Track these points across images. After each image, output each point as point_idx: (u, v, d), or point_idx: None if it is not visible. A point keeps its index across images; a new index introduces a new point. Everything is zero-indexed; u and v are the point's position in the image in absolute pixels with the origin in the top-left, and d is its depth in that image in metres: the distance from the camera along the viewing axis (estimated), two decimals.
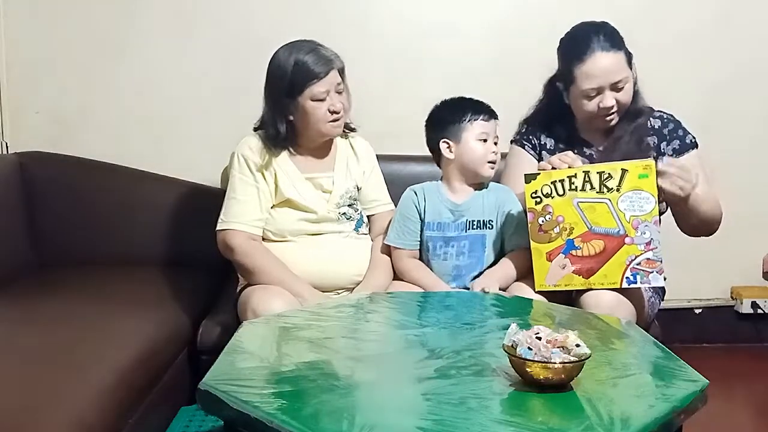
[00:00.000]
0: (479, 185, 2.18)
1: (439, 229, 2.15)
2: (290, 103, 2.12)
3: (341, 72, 2.15)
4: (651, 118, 2.18)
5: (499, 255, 2.17)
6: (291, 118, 2.15)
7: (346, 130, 2.29)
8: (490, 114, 2.15)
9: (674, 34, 2.84)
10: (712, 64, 2.93)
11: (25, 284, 2.44)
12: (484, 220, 2.15)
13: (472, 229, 2.14)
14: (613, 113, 2.11)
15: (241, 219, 2.16)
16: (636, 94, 2.14)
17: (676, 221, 2.10)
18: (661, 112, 2.20)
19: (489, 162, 2.13)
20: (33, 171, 2.72)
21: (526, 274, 2.08)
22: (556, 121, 2.23)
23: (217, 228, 2.19)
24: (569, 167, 1.97)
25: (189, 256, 2.73)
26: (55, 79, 2.85)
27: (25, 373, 1.66)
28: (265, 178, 2.17)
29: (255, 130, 2.24)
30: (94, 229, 2.73)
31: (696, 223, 2.08)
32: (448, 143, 2.15)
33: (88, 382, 1.66)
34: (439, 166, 2.22)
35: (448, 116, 2.17)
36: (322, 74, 2.09)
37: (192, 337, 2.27)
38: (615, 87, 2.07)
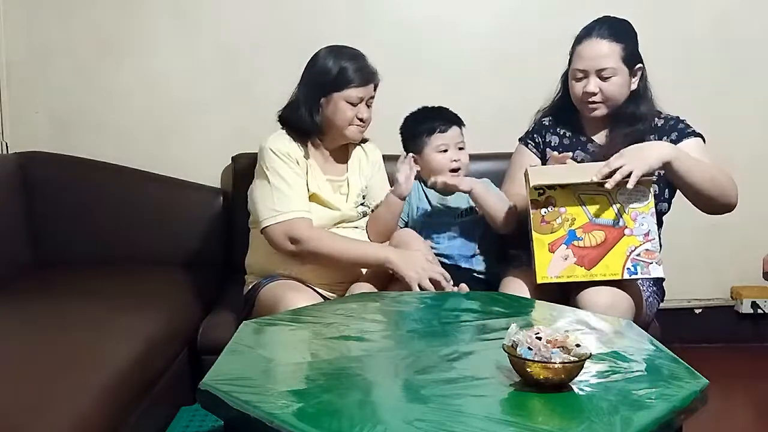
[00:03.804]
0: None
1: (429, 216, 2.31)
2: (325, 97, 2.18)
3: (375, 88, 2.24)
4: (656, 119, 2.20)
5: (488, 239, 2.32)
6: (321, 111, 2.19)
7: (359, 142, 2.37)
8: (448, 123, 2.28)
9: (673, 39, 2.84)
10: (711, 69, 2.93)
11: (25, 284, 2.44)
12: (469, 208, 2.31)
13: (462, 217, 2.31)
14: (596, 102, 2.15)
15: (298, 207, 2.15)
16: (640, 99, 2.17)
17: (689, 199, 2.07)
18: (668, 114, 2.23)
19: (451, 170, 2.26)
20: (33, 171, 2.72)
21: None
22: (564, 116, 2.28)
23: (275, 221, 2.13)
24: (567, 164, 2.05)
25: (189, 256, 2.74)
26: (55, 79, 2.85)
27: (25, 372, 1.66)
28: (301, 169, 2.19)
29: (280, 121, 2.26)
30: (94, 229, 2.73)
31: (704, 193, 2.01)
32: (414, 157, 2.29)
33: (88, 382, 1.66)
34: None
35: (410, 131, 2.33)
36: (363, 83, 2.17)
37: (192, 336, 2.27)
38: (600, 75, 2.12)
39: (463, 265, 2.27)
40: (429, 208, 2.33)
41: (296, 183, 2.16)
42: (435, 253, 2.24)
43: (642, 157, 1.94)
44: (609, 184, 1.93)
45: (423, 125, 2.30)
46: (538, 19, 2.87)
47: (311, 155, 2.25)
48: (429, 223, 2.31)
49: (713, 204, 2.05)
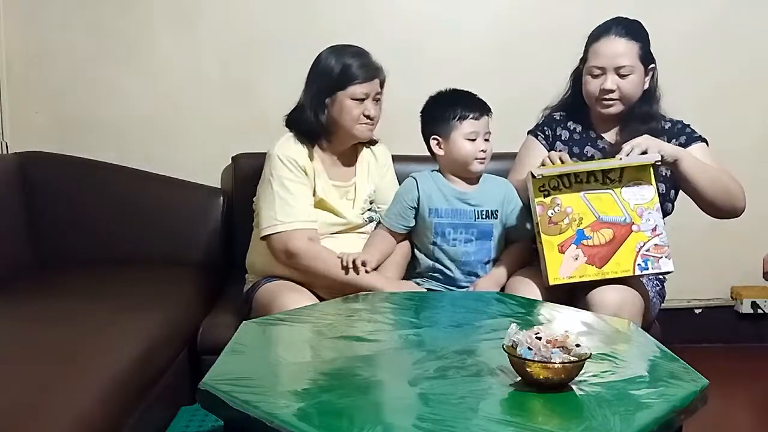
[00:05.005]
0: (472, 179, 2.22)
1: (448, 216, 2.18)
2: (330, 97, 2.16)
3: (382, 84, 2.22)
4: (663, 121, 2.23)
5: (504, 244, 2.23)
6: (327, 112, 2.17)
7: (369, 144, 2.34)
8: (481, 111, 2.17)
9: (674, 37, 2.84)
10: (712, 67, 2.93)
11: (25, 284, 2.44)
12: (491, 210, 2.19)
13: (481, 218, 2.18)
14: (612, 99, 2.17)
15: (299, 217, 2.13)
16: (652, 99, 2.21)
17: (695, 201, 2.12)
18: (672, 117, 2.26)
19: (477, 159, 2.16)
20: (33, 171, 2.72)
21: (524, 266, 2.17)
22: (574, 113, 2.30)
23: (275, 230, 2.12)
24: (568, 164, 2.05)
25: (189, 256, 2.74)
26: (55, 79, 2.85)
27: (26, 372, 1.66)
28: (307, 176, 2.18)
29: (287, 124, 2.24)
30: (94, 229, 2.73)
31: (709, 196, 2.06)
32: (437, 140, 2.19)
33: (88, 382, 1.66)
34: (433, 156, 2.25)
35: (439, 113, 2.19)
36: (367, 78, 2.16)
37: (192, 337, 2.27)
38: (618, 72, 2.14)
39: (480, 272, 2.18)
40: (445, 205, 2.19)
41: (299, 192, 2.15)
42: (448, 257, 2.18)
43: (655, 141, 2.03)
44: (627, 154, 1.99)
45: (454, 109, 2.16)
46: (540, 17, 2.87)
47: (319, 159, 2.23)
48: (443, 223, 2.18)
49: (720, 209, 2.11)
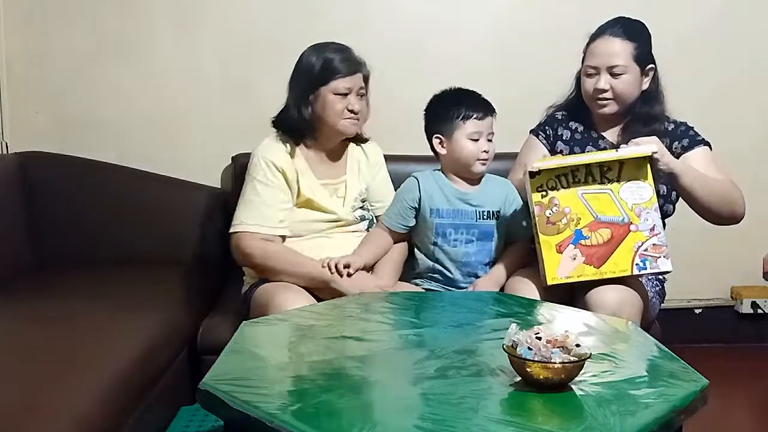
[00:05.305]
0: (474, 179, 2.20)
1: (449, 216, 2.17)
2: (313, 93, 2.15)
3: (366, 79, 2.21)
4: (666, 123, 2.23)
5: (504, 245, 2.23)
6: (310, 109, 2.16)
7: (359, 142, 2.33)
8: (485, 111, 2.15)
9: (674, 37, 2.84)
10: (712, 67, 2.93)
11: (25, 284, 2.44)
12: (492, 211, 2.18)
13: (483, 219, 2.17)
14: (606, 99, 2.18)
15: (262, 221, 2.13)
16: (654, 100, 2.20)
17: (695, 211, 2.12)
18: (675, 118, 2.26)
19: (479, 160, 2.14)
20: (33, 171, 2.72)
21: (524, 266, 2.16)
22: (576, 113, 2.30)
23: (234, 230, 2.15)
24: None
25: (189, 256, 2.74)
26: (55, 79, 2.85)
27: (26, 372, 1.66)
28: (287, 180, 2.17)
29: (274, 125, 2.24)
30: (94, 229, 2.73)
31: (707, 205, 2.06)
32: (440, 139, 2.17)
33: (88, 382, 1.66)
34: (435, 155, 2.24)
35: (442, 112, 2.17)
36: (349, 72, 2.15)
37: (192, 337, 2.27)
38: (611, 71, 2.15)
39: (480, 273, 2.18)
40: (447, 206, 2.17)
41: (269, 196, 2.14)
42: (449, 258, 2.17)
43: (661, 147, 2.00)
44: (623, 150, 1.99)
45: (458, 108, 2.14)
46: (539, 17, 2.87)
47: (305, 159, 2.22)
48: (444, 224, 2.17)
49: (718, 215, 2.10)
